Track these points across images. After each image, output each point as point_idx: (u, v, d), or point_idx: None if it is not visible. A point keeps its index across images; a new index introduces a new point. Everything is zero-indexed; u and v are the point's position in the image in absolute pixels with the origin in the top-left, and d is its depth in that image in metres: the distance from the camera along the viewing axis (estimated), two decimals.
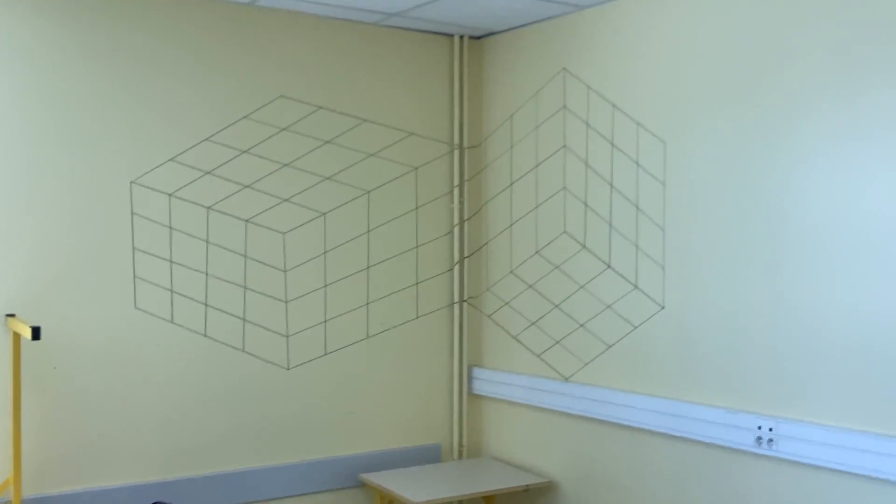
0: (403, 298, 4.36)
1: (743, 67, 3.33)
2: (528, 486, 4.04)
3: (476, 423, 4.59)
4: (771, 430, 3.16)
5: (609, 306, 3.85)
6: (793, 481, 3.13)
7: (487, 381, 4.50)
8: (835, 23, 3.02)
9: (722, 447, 3.37)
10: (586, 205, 3.95)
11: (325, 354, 4.14)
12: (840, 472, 2.98)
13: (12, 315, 3.39)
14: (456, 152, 4.49)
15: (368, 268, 4.25)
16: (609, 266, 3.85)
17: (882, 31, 2.89)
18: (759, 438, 3.19)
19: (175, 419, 3.79)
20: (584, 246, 3.96)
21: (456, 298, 4.50)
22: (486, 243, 4.51)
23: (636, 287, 3.73)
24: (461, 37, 4.48)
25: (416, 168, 4.39)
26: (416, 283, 4.39)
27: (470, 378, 4.56)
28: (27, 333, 3.02)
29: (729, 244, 3.36)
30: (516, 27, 4.32)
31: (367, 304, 4.25)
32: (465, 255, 4.52)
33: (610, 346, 3.85)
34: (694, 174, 3.50)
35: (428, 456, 4.43)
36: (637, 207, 3.72)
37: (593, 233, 3.92)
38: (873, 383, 2.91)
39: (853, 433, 2.93)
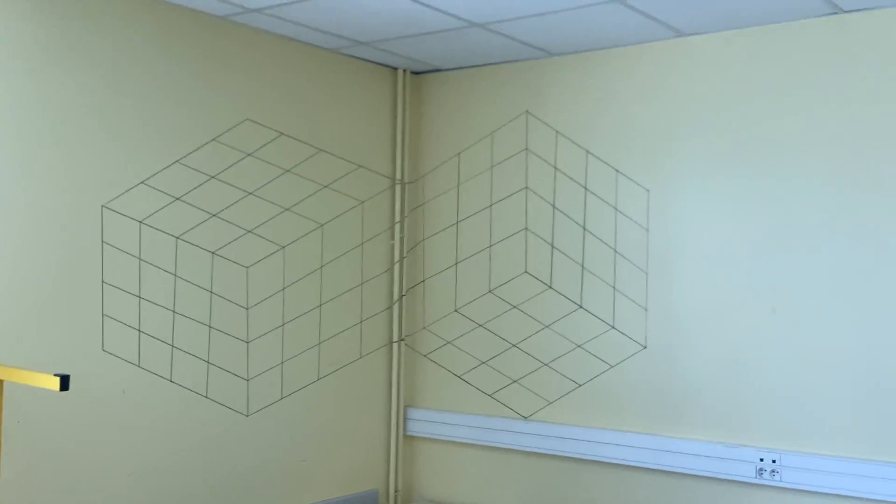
0: (349, 337, 4.16)
1: (726, 115, 3.60)
2: None
3: (411, 466, 4.46)
4: (774, 461, 3.41)
5: (579, 346, 3.94)
6: None
7: (424, 422, 4.39)
8: (821, 70, 3.38)
9: (717, 479, 3.57)
10: (553, 246, 4.03)
11: (282, 399, 3.84)
12: (844, 496, 3.29)
13: None
14: (397, 187, 4.39)
15: (321, 305, 4.01)
16: (580, 307, 3.95)
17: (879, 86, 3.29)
18: (761, 470, 3.44)
19: (139, 474, 3.33)
20: (549, 286, 4.04)
21: (395, 337, 4.37)
22: (423, 281, 4.43)
23: (612, 327, 3.86)
24: (405, 70, 4.40)
25: (363, 202, 4.23)
26: (361, 322, 4.22)
27: (405, 419, 4.43)
28: (50, 384, 2.52)
29: (721, 286, 3.59)
30: (469, 66, 4.32)
31: (319, 343, 4.01)
32: (403, 292, 4.41)
33: (580, 385, 3.94)
34: (680, 222, 3.71)
35: (366, 503, 4.24)
36: (615, 251, 3.86)
37: (561, 274, 4.00)
38: (876, 413, 3.26)
39: (857, 461, 3.26)
